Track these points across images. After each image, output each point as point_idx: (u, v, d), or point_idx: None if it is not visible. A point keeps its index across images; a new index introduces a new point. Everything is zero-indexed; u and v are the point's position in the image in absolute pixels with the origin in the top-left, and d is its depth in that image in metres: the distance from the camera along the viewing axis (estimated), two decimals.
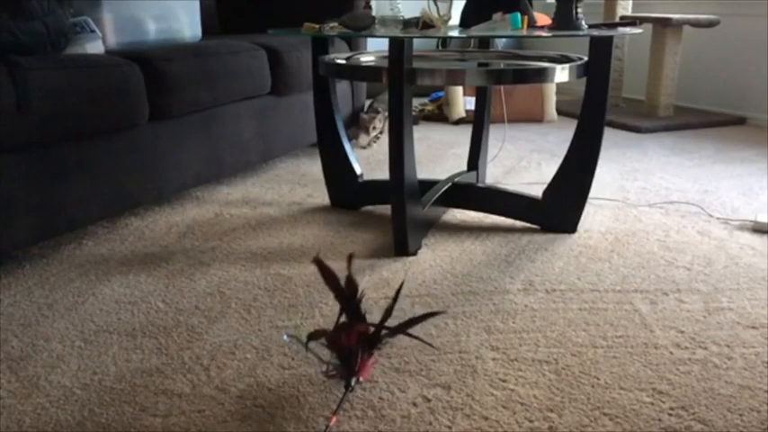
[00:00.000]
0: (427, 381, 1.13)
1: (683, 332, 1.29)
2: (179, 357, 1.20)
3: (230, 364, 1.18)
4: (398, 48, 1.54)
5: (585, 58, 1.73)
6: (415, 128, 1.61)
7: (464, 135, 3.12)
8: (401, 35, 1.56)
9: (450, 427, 1.01)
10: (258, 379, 1.14)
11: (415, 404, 1.06)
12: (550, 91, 3.49)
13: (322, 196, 2.14)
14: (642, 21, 3.36)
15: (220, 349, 1.23)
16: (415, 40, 1.59)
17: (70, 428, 1.01)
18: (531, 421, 1.02)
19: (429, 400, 1.07)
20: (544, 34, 1.64)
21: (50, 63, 1.55)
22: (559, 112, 3.55)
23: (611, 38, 1.69)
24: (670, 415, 1.03)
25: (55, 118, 1.53)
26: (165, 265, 1.61)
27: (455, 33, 1.69)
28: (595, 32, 1.67)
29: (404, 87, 1.57)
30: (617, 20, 3.52)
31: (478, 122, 2.14)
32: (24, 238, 1.54)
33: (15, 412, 1.04)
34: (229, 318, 1.36)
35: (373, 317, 1.35)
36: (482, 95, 2.12)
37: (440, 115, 3.52)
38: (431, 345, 1.12)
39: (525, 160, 2.67)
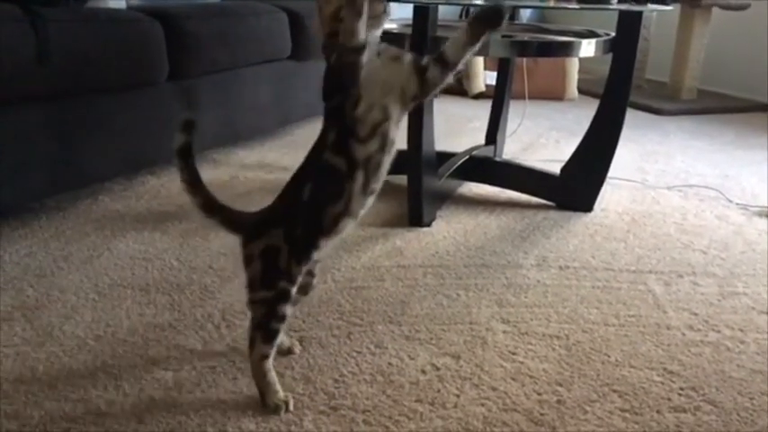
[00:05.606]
0: (437, 349, 1.13)
1: (696, 314, 1.28)
2: (191, 314, 1.21)
3: (241, 324, 1.18)
4: (423, 15, 1.52)
5: (613, 34, 1.69)
6: (434, 101, 1.59)
7: (483, 110, 3.07)
8: (426, 1, 1.53)
9: (458, 396, 1.01)
10: None
11: (423, 371, 1.07)
12: (573, 68, 3.44)
13: None
14: (671, 0, 3.29)
15: (232, 308, 1.23)
16: (438, 10, 1.56)
17: (82, 377, 1.02)
18: (539, 394, 1.02)
19: (438, 369, 1.07)
20: (571, 6, 1.61)
21: (72, 15, 1.54)
22: (580, 91, 3.50)
23: (640, 14, 1.65)
24: (680, 395, 1.03)
25: (74, 70, 1.52)
26: (180, 224, 1.61)
27: (480, 1, 1.66)
28: (624, 7, 1.64)
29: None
30: None
31: (499, 97, 2.11)
32: (41, 190, 1.55)
33: (29, 359, 1.06)
34: (242, 278, 1.35)
35: (385, 283, 1.35)
36: (504, 69, 2.09)
37: (459, 89, 3.48)
38: None
39: (544, 137, 2.64)
